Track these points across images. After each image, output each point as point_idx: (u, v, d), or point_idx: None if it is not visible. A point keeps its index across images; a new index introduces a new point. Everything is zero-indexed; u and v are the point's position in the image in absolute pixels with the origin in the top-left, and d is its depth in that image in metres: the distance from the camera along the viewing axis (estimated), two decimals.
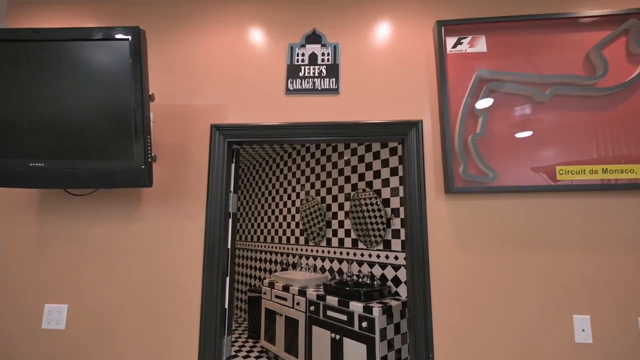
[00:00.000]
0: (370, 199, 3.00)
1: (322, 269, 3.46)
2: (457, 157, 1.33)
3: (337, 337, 2.53)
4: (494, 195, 1.34)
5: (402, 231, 2.71)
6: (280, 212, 4.26)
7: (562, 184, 1.28)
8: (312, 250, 3.65)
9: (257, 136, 1.49)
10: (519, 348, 1.24)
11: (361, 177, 3.16)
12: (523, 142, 1.32)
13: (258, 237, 4.66)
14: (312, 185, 3.77)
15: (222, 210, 1.48)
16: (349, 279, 2.96)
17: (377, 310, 2.29)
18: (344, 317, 2.51)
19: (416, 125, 1.40)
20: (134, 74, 1.15)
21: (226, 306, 1.54)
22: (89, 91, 1.16)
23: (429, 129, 1.40)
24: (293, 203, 4.05)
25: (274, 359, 3.34)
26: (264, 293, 3.50)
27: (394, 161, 2.86)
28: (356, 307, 2.43)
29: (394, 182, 2.83)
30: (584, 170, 1.28)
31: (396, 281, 2.70)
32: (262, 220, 4.62)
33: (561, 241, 1.28)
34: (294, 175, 4.11)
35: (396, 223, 2.76)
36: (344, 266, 3.20)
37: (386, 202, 2.87)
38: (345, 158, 3.37)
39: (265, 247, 4.45)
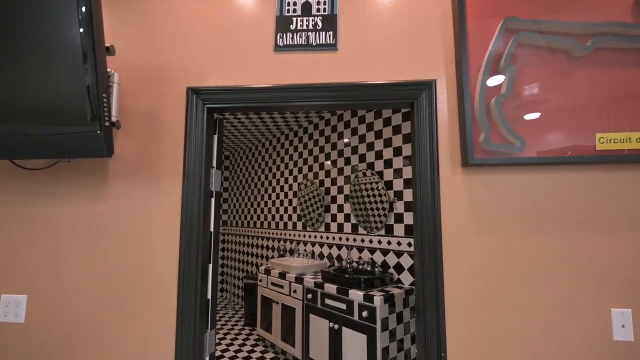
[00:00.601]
0: (371, 183, 2.79)
1: (320, 255, 3.29)
2: (477, 124, 1.11)
3: (336, 326, 2.37)
4: (521, 169, 1.12)
5: (405, 215, 2.51)
6: (277, 196, 4.07)
7: (604, 154, 1.06)
8: (309, 236, 3.46)
9: (242, 101, 1.26)
10: (544, 340, 1.05)
11: (362, 158, 2.94)
12: (557, 105, 1.09)
13: (254, 223, 4.48)
14: (310, 168, 3.55)
15: (202, 188, 1.27)
16: (348, 265, 2.79)
17: (378, 299, 2.11)
18: (343, 306, 2.34)
19: (429, 86, 1.17)
20: (83, 16, 0.92)
21: (209, 297, 1.35)
22: (29, 36, 0.93)
23: (443, 91, 1.18)
24: (290, 187, 3.85)
25: (271, 347, 3.21)
26: (260, 280, 3.34)
27: (397, 140, 2.63)
28: (356, 295, 2.25)
29: (397, 162, 2.61)
30: (630, 139, 1.06)
31: (398, 268, 2.53)
32: (259, 205, 4.43)
33: (600, 223, 1.08)
34: (290, 157, 3.89)
35: (399, 207, 2.56)
36: (343, 252, 3.03)
37: (389, 185, 2.67)
38: (345, 140, 3.14)
39: (261, 232, 4.28)
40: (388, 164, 2.69)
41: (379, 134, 2.80)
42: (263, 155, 4.45)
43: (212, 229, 1.40)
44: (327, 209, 3.26)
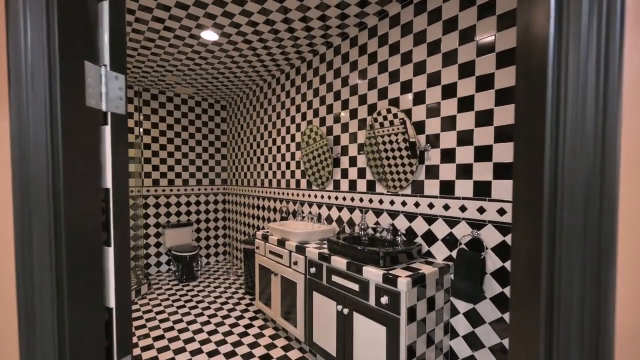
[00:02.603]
0: (393, 130, 2.03)
1: (329, 219, 2.67)
2: None
3: (345, 310, 1.80)
4: None
5: (442, 168, 1.79)
6: (278, 149, 3.38)
7: None
8: (315, 196, 2.82)
9: None
10: None
11: (382, 93, 2.16)
12: None
13: (255, 181, 3.87)
14: (316, 112, 2.80)
15: (57, 106, 0.58)
16: (362, 233, 2.16)
17: (404, 282, 1.49)
18: (355, 287, 1.75)
19: None
20: None
21: (112, 304, 0.74)
22: None
23: None
24: (292, 137, 3.14)
25: (271, 322, 2.75)
26: (257, 247, 2.80)
27: (434, 64, 1.82)
28: (372, 274, 1.64)
29: (434, 94, 1.83)
30: None
31: (429, 237, 1.87)
32: (259, 160, 3.78)
33: None
34: (292, 101, 3.13)
35: (432, 157, 1.83)
36: (356, 216, 2.38)
37: (419, 127, 1.92)
38: (360, 81, 2.33)
39: (262, 192, 3.68)
40: (419, 98, 1.91)
41: (407, 57, 1.98)
42: (261, 101, 3.70)
43: (109, 185, 0.74)
44: (337, 162, 2.56)
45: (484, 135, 1.59)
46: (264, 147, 3.64)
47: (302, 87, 2.97)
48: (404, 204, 2.00)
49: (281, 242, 2.44)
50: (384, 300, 1.57)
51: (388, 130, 2.05)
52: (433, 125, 1.83)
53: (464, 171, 1.67)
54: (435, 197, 1.82)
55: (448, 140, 1.75)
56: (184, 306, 3.11)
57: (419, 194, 1.91)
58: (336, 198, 2.56)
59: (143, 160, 4.04)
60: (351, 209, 2.42)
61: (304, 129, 2.91)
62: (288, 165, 3.20)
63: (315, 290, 2.08)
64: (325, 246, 2.17)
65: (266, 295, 2.68)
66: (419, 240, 1.92)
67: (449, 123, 1.75)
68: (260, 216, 3.73)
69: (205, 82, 3.73)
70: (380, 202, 2.17)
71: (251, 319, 2.82)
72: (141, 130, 4.03)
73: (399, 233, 1.94)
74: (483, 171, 1.59)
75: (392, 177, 2.05)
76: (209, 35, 2.51)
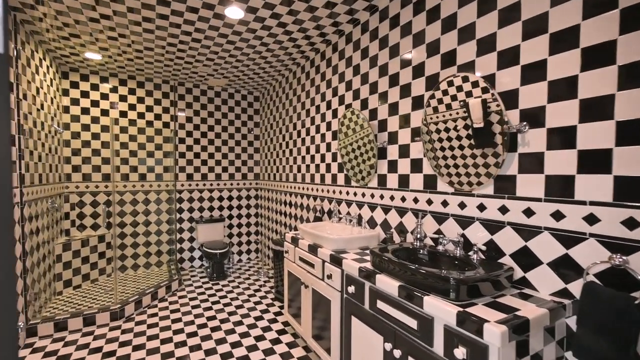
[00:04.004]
0: (467, 106, 1.41)
1: (371, 222, 2.11)
2: None
3: (397, 353, 1.25)
4: None
5: (547, 156, 1.14)
6: (312, 140, 2.88)
7: None
8: (355, 194, 2.27)
9: None
10: None
11: (449, 57, 1.54)
12: None
13: (287, 176, 3.42)
14: (356, 94, 2.24)
15: None
16: (417, 243, 1.57)
17: (497, 332, 0.90)
18: (412, 323, 1.19)
19: None
20: None
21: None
22: None
23: None
24: (328, 126, 2.61)
25: (302, 339, 2.27)
26: (287, 251, 2.32)
27: (535, 3, 1.17)
28: (439, 310, 1.06)
29: (533, 48, 1.17)
30: None
31: (524, 258, 1.23)
32: (291, 153, 3.32)
33: None
34: (328, 84, 2.59)
35: (531, 140, 1.19)
36: (409, 221, 1.79)
37: (509, 100, 1.28)
38: (408, 56, 1.72)
39: (295, 188, 3.21)
40: (508, 57, 1.27)
41: (487, 3, 1.35)
42: (294, 88, 3.22)
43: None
44: (382, 153, 1.99)
45: (634, 103, 0.93)
46: (297, 138, 3.17)
47: (339, 66, 2.43)
48: (481, 208, 1.38)
49: (313, 249, 1.93)
50: (460, 354, 0.99)
51: (456, 113, 1.44)
52: (533, 95, 1.19)
53: (594, 161, 1.02)
54: (538, 200, 1.18)
55: (561, 114, 1.10)
56: (210, 308, 2.76)
57: (508, 194, 1.28)
58: (381, 197, 1.99)
59: (178, 154, 3.80)
60: (401, 212, 1.84)
61: (341, 115, 2.36)
62: (323, 158, 2.69)
63: (354, 316, 1.54)
64: (368, 259, 1.62)
65: (296, 305, 2.21)
66: (506, 260, 1.29)
67: (562, 88, 1.10)
68: (293, 214, 3.27)
69: (237, 72, 3.34)
70: (444, 204, 1.56)
71: (279, 332, 2.36)
72: (177, 125, 3.79)
73: (474, 248, 1.33)
74: (632, 160, 0.93)
75: (459, 170, 1.44)
76: (234, 12, 2.08)
